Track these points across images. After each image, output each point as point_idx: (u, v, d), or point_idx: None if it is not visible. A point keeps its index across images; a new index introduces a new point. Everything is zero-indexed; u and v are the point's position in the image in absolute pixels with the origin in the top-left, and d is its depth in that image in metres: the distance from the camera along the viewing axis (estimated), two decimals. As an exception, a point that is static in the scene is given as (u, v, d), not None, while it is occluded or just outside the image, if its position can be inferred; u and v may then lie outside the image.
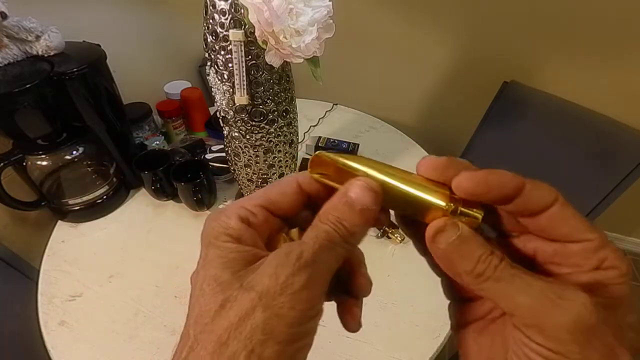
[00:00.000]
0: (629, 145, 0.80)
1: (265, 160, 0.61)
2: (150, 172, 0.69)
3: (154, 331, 0.56)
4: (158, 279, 0.63)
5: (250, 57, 0.49)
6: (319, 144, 0.87)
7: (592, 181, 0.83)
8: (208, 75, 0.54)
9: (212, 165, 0.78)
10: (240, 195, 0.75)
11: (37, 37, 0.60)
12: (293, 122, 0.61)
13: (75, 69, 0.59)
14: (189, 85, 0.92)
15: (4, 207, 0.65)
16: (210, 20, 0.48)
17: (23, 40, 0.59)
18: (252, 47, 0.48)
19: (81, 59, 0.61)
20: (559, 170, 0.89)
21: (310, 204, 0.21)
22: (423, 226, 0.18)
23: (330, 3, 0.46)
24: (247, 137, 0.58)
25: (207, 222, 0.19)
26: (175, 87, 0.90)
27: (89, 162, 0.73)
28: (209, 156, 0.82)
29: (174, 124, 0.88)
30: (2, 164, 0.60)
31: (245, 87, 0.50)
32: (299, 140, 0.68)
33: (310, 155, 0.94)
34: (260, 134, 0.57)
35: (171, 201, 0.76)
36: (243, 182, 0.67)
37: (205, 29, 0.50)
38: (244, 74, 0.49)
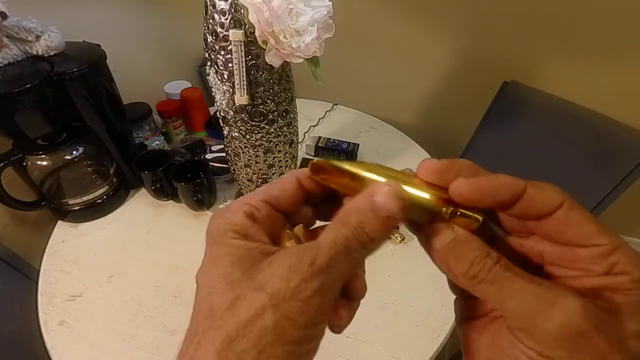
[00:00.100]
0: (629, 145, 0.80)
1: (265, 160, 0.61)
2: (150, 172, 0.69)
3: (154, 331, 0.56)
4: (158, 279, 0.63)
5: (250, 57, 0.49)
6: (319, 144, 0.87)
7: (592, 181, 0.83)
8: (208, 75, 0.54)
9: (212, 165, 0.78)
10: (240, 195, 0.75)
11: (37, 37, 0.60)
12: (293, 122, 0.61)
13: (75, 69, 0.59)
14: (189, 85, 0.92)
15: (4, 207, 0.65)
16: (210, 20, 0.48)
17: (23, 40, 0.59)
18: (252, 47, 0.48)
19: (81, 59, 0.61)
20: (559, 170, 0.89)
21: (309, 200, 0.21)
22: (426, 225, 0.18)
23: (330, 3, 0.46)
24: (247, 137, 0.58)
25: (212, 220, 0.19)
26: (175, 87, 0.90)
27: (89, 162, 0.73)
28: (209, 156, 0.82)
29: (174, 124, 0.88)
30: (2, 164, 0.60)
31: (245, 87, 0.50)
32: (299, 140, 0.68)
33: (311, 155, 0.94)
34: (260, 134, 0.57)
35: (171, 201, 0.76)
36: (243, 182, 0.67)
37: (205, 29, 0.50)
38: (244, 74, 0.49)
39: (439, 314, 0.57)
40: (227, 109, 0.55)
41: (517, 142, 0.96)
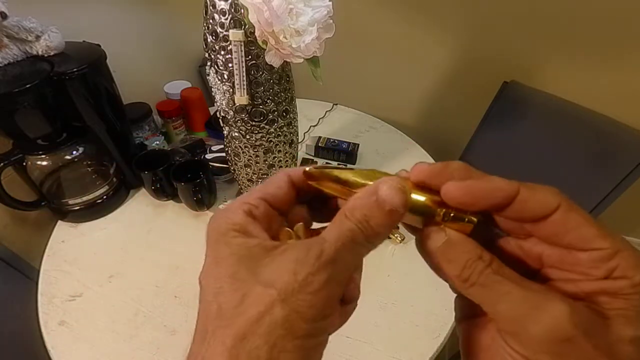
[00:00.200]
0: (629, 145, 0.80)
1: (265, 160, 0.61)
2: (150, 172, 0.69)
3: (154, 331, 0.56)
4: (158, 279, 0.63)
5: (250, 57, 0.49)
6: (319, 144, 0.87)
7: (592, 181, 0.83)
8: (208, 75, 0.54)
9: (212, 165, 0.78)
10: (240, 195, 0.75)
11: (37, 37, 0.60)
12: (293, 122, 0.61)
13: (75, 69, 0.59)
14: (189, 85, 0.92)
15: (4, 207, 0.65)
16: (210, 20, 0.48)
17: (23, 40, 0.59)
18: (252, 47, 0.48)
19: (81, 59, 0.61)
20: (559, 170, 0.89)
21: (302, 198, 0.21)
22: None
23: (330, 3, 0.46)
24: (247, 137, 0.58)
25: (212, 221, 0.19)
26: (175, 87, 0.90)
27: (89, 162, 0.73)
28: (209, 156, 0.82)
29: (174, 124, 0.88)
30: (2, 164, 0.60)
31: (245, 87, 0.50)
32: (299, 140, 0.68)
33: (311, 155, 0.94)
34: (260, 134, 0.57)
35: (171, 201, 0.76)
36: (243, 182, 0.67)
37: (205, 29, 0.50)
38: (244, 74, 0.49)
39: (439, 314, 0.57)
40: (227, 109, 0.55)
41: (517, 142, 0.96)
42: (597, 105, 0.87)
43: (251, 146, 0.59)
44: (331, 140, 0.88)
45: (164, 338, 0.55)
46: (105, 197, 0.73)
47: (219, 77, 0.52)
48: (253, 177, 0.64)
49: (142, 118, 0.81)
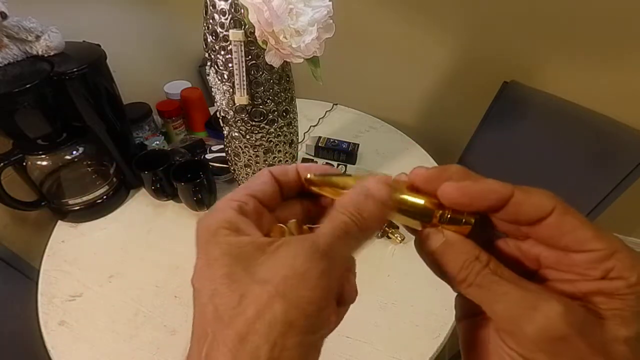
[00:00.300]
0: (629, 145, 0.80)
1: (265, 160, 0.61)
2: (150, 172, 0.69)
3: (154, 331, 0.56)
4: (158, 279, 0.63)
5: (250, 57, 0.49)
6: (319, 144, 0.87)
7: (592, 181, 0.83)
8: (208, 75, 0.54)
9: (212, 165, 0.78)
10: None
11: (37, 37, 0.60)
12: (293, 122, 0.61)
13: (75, 69, 0.59)
14: (189, 85, 0.92)
15: (4, 207, 0.65)
16: (210, 20, 0.48)
17: (23, 40, 0.59)
18: (252, 47, 0.48)
19: (81, 59, 0.61)
20: (559, 170, 0.89)
21: (284, 195, 0.22)
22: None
23: (330, 3, 0.46)
24: (247, 137, 0.58)
25: (200, 221, 0.19)
26: (175, 87, 0.90)
27: (89, 162, 0.73)
28: (209, 156, 0.82)
29: (174, 124, 0.88)
30: (2, 164, 0.60)
31: (245, 87, 0.50)
32: (299, 140, 0.68)
33: (311, 155, 0.94)
34: (260, 134, 0.57)
35: (171, 201, 0.76)
36: (243, 182, 0.67)
37: (205, 29, 0.50)
38: (244, 74, 0.49)
39: (439, 314, 0.57)
40: (227, 109, 0.55)
41: (517, 142, 0.96)
42: (597, 105, 0.87)
43: (251, 146, 0.59)
44: (331, 140, 0.88)
45: (164, 338, 0.55)
46: (105, 197, 0.73)
47: (219, 77, 0.52)
48: (258, 171, 0.64)
49: (142, 118, 0.81)
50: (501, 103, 0.97)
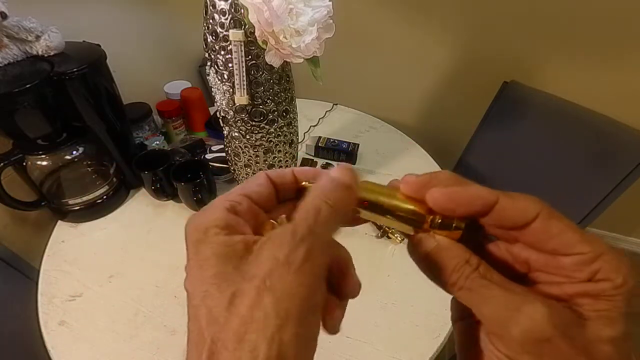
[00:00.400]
0: (629, 145, 0.80)
1: (265, 160, 0.61)
2: (150, 172, 0.69)
3: (154, 331, 0.56)
4: (158, 279, 0.63)
5: (250, 57, 0.49)
6: (319, 144, 0.87)
7: (592, 181, 0.83)
8: (208, 75, 0.54)
9: (212, 165, 0.78)
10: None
11: (37, 37, 0.60)
12: (293, 122, 0.61)
13: (75, 69, 0.59)
14: (189, 85, 0.92)
15: (4, 207, 0.65)
16: (210, 20, 0.48)
17: (23, 40, 0.59)
18: (252, 47, 0.48)
19: (81, 59, 0.61)
20: (559, 170, 0.89)
21: (281, 197, 0.22)
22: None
23: (330, 3, 0.46)
24: (247, 137, 0.58)
25: (191, 220, 0.18)
26: (175, 87, 0.90)
27: (89, 162, 0.73)
28: (209, 156, 0.82)
29: (174, 124, 0.88)
30: (2, 164, 0.60)
31: (245, 87, 0.51)
32: (299, 140, 0.69)
33: (311, 155, 0.94)
34: (260, 134, 0.57)
35: (171, 201, 0.76)
36: (243, 182, 0.67)
37: (205, 29, 0.50)
38: (244, 74, 0.49)
39: (439, 314, 0.57)
40: (227, 109, 0.56)
41: (517, 142, 0.96)
42: (597, 105, 0.87)
43: (251, 146, 0.59)
44: (331, 140, 0.88)
45: (164, 338, 0.55)
46: (105, 197, 0.73)
47: (219, 77, 0.52)
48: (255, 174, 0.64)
49: (142, 118, 0.81)
50: (501, 103, 0.97)
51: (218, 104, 0.56)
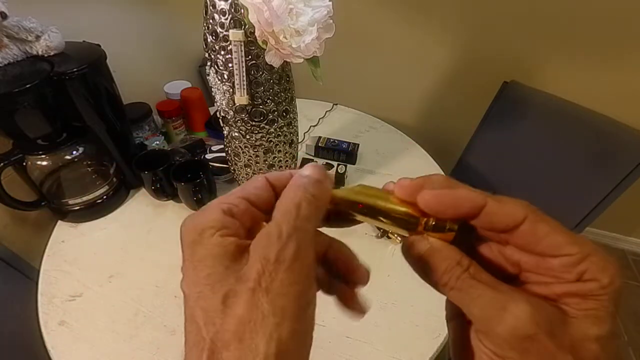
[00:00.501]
0: (629, 145, 0.80)
1: (265, 160, 0.61)
2: (150, 172, 0.69)
3: (154, 331, 0.56)
4: (158, 279, 0.63)
5: (250, 57, 0.49)
6: (319, 144, 0.87)
7: (592, 181, 0.83)
8: (208, 75, 0.55)
9: (212, 165, 0.78)
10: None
11: (37, 37, 0.60)
12: (293, 122, 0.61)
13: (75, 69, 0.59)
14: (189, 85, 0.92)
15: (4, 207, 0.65)
16: (210, 20, 0.48)
17: (23, 40, 0.59)
18: (252, 47, 0.48)
19: (81, 59, 0.61)
20: (559, 170, 0.89)
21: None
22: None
23: (330, 3, 0.46)
24: (247, 137, 0.58)
25: (186, 222, 0.19)
26: (175, 87, 0.90)
27: (89, 162, 0.73)
28: (209, 156, 0.82)
29: (174, 124, 0.88)
30: (2, 164, 0.60)
31: (245, 87, 0.51)
32: (299, 140, 0.69)
33: (311, 155, 0.94)
34: (260, 134, 0.57)
35: (171, 201, 0.76)
36: (243, 182, 0.67)
37: (205, 29, 0.50)
38: (244, 74, 0.49)
39: (439, 314, 0.57)
40: (227, 109, 0.56)
41: (517, 142, 0.96)
42: (597, 105, 0.87)
43: (251, 146, 0.59)
44: (331, 140, 0.88)
45: (164, 338, 0.55)
46: (105, 197, 0.73)
47: (219, 77, 0.52)
48: (253, 177, 0.64)
49: (142, 118, 0.81)
50: (501, 103, 0.97)
51: (218, 104, 0.56)
